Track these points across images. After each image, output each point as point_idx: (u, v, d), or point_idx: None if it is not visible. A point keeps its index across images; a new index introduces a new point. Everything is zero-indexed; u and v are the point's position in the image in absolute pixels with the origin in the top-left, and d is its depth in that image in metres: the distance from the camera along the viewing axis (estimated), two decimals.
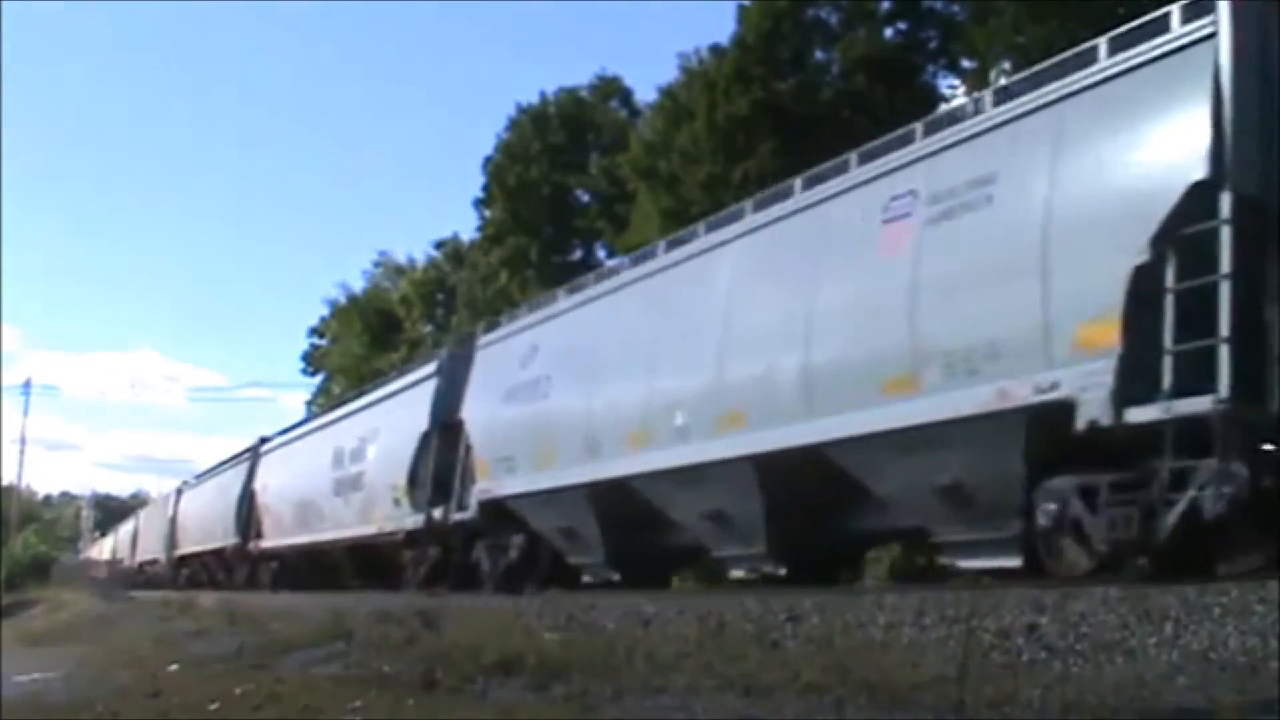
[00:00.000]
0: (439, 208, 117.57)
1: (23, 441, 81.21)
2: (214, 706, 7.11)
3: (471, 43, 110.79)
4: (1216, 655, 4.29)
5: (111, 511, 71.09)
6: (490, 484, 13.47)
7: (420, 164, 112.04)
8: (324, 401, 41.71)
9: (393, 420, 17.32)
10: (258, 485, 24.91)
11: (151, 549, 37.71)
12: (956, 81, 23.77)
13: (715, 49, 24.24)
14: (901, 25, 24.35)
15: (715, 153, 22.72)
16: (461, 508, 14.20)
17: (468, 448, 14.23)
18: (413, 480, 15.64)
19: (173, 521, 33.74)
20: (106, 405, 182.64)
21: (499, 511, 13.39)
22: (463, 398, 14.70)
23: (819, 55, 24.14)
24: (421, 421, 15.77)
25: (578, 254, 34.08)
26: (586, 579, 12.53)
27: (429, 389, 16.08)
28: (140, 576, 38.83)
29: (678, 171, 23.70)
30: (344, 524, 18.66)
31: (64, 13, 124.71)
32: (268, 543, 23.49)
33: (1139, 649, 4.53)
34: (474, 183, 49.47)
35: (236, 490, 26.12)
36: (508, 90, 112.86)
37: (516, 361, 13.39)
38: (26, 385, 61.32)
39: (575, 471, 11.73)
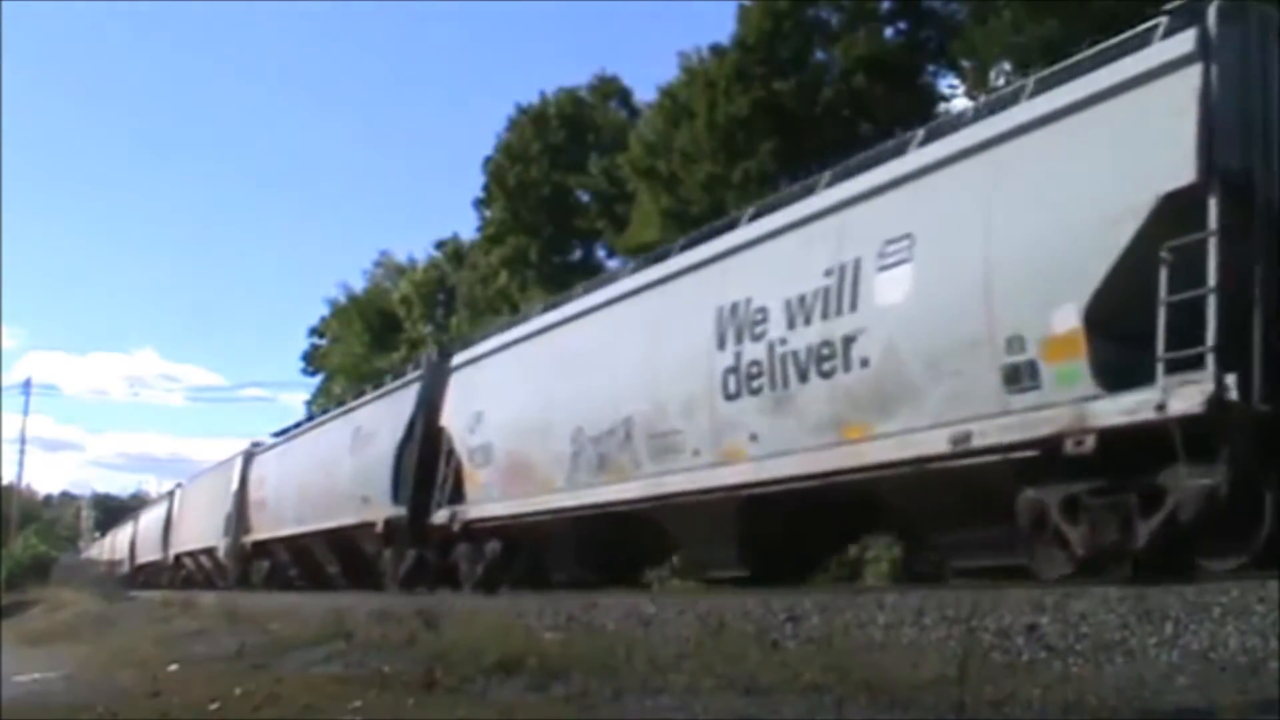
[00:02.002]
0: (439, 208, 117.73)
1: (23, 441, 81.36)
2: (214, 706, 7.09)
3: (471, 42, 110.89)
4: (1216, 655, 4.28)
5: (111, 511, 71.01)
6: None
7: (420, 164, 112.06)
8: (323, 402, 40.67)
9: (1025, 189, 7.32)
10: (449, 420, 15.02)
11: (197, 537, 29.45)
12: (956, 81, 23.83)
13: (715, 49, 24.25)
14: (901, 25, 24.38)
15: (715, 153, 22.71)
16: None
17: None
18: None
19: (239, 496, 25.25)
20: (106, 405, 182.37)
21: None
22: None
23: (819, 55, 24.14)
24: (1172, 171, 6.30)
25: (578, 254, 34.14)
26: None
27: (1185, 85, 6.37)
28: (179, 573, 32.03)
29: (678, 171, 23.70)
30: (758, 447, 9.23)
31: (64, 12, 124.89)
32: (481, 510, 13.83)
33: (1139, 649, 4.53)
34: (474, 183, 49.56)
35: (394, 435, 16.43)
36: (508, 90, 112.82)
37: None
38: (26, 385, 61.44)
39: None
